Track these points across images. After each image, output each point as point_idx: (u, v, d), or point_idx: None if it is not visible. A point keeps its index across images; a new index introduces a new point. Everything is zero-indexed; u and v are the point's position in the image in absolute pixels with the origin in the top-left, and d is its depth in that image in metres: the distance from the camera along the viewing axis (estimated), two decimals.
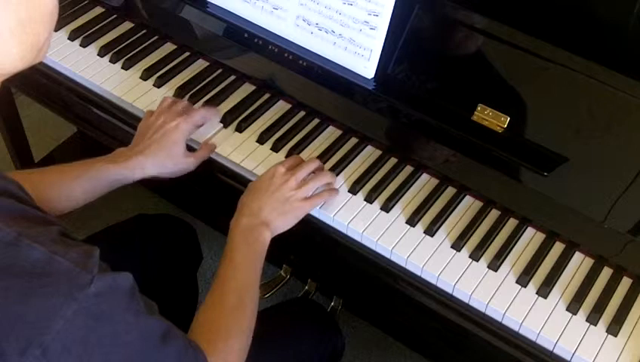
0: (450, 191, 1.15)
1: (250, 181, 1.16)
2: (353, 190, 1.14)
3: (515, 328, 1.00)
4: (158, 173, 1.12)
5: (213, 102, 1.26)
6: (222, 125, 1.22)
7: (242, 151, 1.19)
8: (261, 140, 1.20)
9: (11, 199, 0.71)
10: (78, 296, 0.67)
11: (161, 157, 1.11)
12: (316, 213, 1.11)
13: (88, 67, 1.31)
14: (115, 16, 1.41)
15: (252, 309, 0.96)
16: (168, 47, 1.36)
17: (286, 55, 1.23)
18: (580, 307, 1.01)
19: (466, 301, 1.03)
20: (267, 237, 1.03)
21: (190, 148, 1.17)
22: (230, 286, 0.97)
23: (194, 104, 1.25)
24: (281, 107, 1.26)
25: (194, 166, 1.14)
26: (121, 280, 0.73)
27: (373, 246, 1.08)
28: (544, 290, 1.02)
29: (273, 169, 1.09)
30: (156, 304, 0.80)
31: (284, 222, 1.05)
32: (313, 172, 1.12)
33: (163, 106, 1.17)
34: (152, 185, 1.73)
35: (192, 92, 1.27)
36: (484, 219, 1.11)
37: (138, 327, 0.74)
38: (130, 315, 0.73)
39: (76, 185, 1.07)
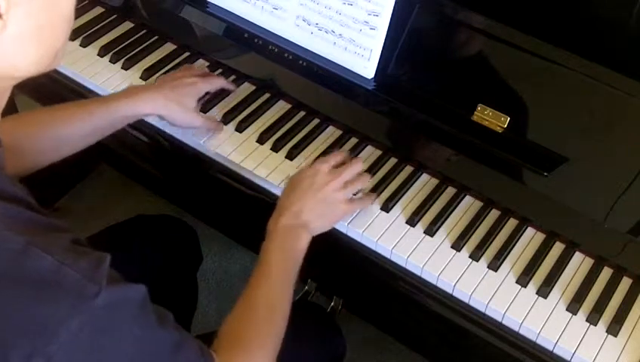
0: (450, 191, 1.15)
1: (249, 181, 1.16)
2: None
3: (515, 328, 1.00)
4: (166, 115, 1.16)
5: (214, 101, 1.25)
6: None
7: (242, 151, 1.19)
8: (261, 140, 1.20)
9: (21, 206, 0.70)
10: (84, 308, 0.66)
11: (172, 100, 1.14)
12: None
13: (88, 67, 1.31)
14: (115, 16, 1.41)
15: (282, 323, 0.92)
16: (168, 47, 1.36)
17: (286, 55, 1.23)
18: (579, 307, 1.01)
19: (466, 301, 1.03)
20: (306, 241, 0.99)
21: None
22: (262, 297, 0.93)
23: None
24: (281, 107, 1.26)
25: (199, 124, 1.18)
26: (132, 293, 0.71)
27: (373, 247, 1.08)
28: (544, 290, 1.02)
29: (317, 167, 1.05)
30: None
31: (322, 224, 1.02)
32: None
33: (184, 67, 1.26)
34: (152, 185, 1.74)
35: None
36: (484, 219, 1.11)
37: (145, 340, 0.73)
38: (138, 328, 0.72)
39: (76, 128, 1.06)
